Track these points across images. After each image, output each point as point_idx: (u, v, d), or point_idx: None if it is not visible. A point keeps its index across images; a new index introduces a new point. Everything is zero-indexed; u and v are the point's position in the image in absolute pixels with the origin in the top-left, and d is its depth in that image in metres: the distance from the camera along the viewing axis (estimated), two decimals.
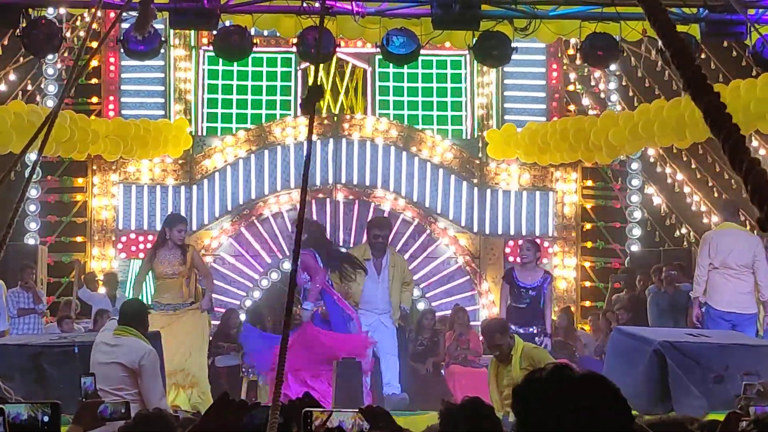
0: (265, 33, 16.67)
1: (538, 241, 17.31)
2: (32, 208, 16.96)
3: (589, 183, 17.93)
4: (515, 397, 2.74)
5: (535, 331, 12.93)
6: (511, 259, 16.77)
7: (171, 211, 16.94)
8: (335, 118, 17.13)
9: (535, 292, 13.01)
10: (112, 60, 17.41)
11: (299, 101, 17.08)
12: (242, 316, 15.33)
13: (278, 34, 16.04)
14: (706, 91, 1.81)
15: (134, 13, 11.32)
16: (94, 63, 17.18)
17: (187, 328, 12.03)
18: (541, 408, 2.65)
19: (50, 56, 15.70)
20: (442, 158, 17.22)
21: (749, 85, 13.38)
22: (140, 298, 12.32)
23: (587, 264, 17.80)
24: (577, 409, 2.62)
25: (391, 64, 14.99)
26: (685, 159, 16.92)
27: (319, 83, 14.52)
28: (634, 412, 8.09)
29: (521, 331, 12.60)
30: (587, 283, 17.79)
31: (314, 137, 16.65)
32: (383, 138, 17.12)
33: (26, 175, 16.11)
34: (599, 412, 2.64)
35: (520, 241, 14.61)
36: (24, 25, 12.08)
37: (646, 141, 15.20)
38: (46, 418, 4.32)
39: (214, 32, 12.55)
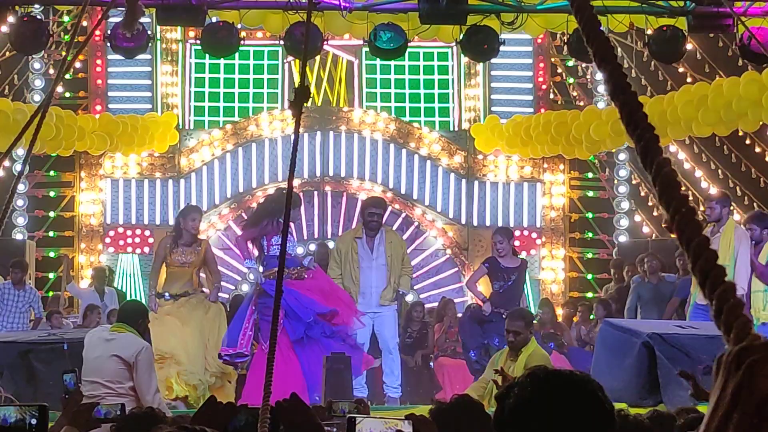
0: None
1: (526, 232, 17.45)
2: (20, 203, 16.92)
3: (577, 174, 17.97)
4: (498, 403, 2.77)
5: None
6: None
7: (159, 205, 16.96)
8: (324, 111, 17.16)
9: (517, 274, 12.84)
10: (98, 54, 17.40)
11: (287, 103, 17.05)
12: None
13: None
14: (624, 89, 1.82)
15: (122, 9, 11.29)
16: (80, 57, 17.14)
17: (197, 313, 11.94)
18: (519, 413, 2.68)
19: None
20: (429, 150, 17.27)
21: (732, 83, 13.44)
22: (153, 289, 12.23)
23: (575, 255, 17.85)
24: (554, 410, 2.64)
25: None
26: (674, 150, 16.95)
27: (306, 84, 14.48)
28: (623, 405, 8.09)
29: (503, 313, 12.52)
30: (574, 274, 17.84)
31: (301, 130, 16.64)
32: (370, 130, 17.16)
33: (13, 170, 16.16)
34: (578, 411, 2.66)
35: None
36: (11, 22, 12.04)
37: (627, 137, 15.20)
38: (34, 421, 4.33)
39: (201, 28, 12.55)
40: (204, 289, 12.36)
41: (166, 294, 11.98)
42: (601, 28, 1.89)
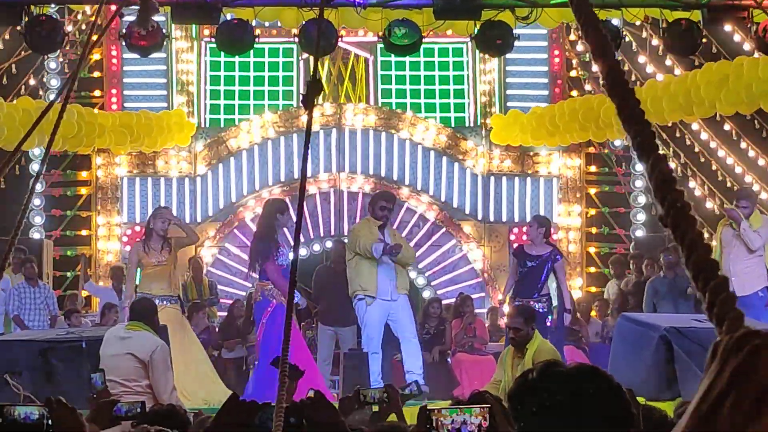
0: (266, 24, 16.68)
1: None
2: (37, 202, 16.94)
3: (593, 168, 17.93)
4: (510, 401, 2.76)
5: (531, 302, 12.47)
6: (515, 246, 16.76)
7: (175, 203, 16.99)
8: (338, 108, 17.15)
9: (536, 263, 12.65)
10: (114, 53, 17.43)
11: (301, 97, 17.01)
12: None
13: (280, 25, 16.07)
14: (621, 85, 1.83)
15: (136, 8, 11.31)
16: (96, 56, 17.20)
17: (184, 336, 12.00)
18: (536, 408, 2.67)
19: None
20: (444, 145, 17.26)
21: (752, 64, 13.37)
22: (128, 299, 12.25)
23: (592, 250, 17.81)
24: (570, 403, 2.64)
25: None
26: (688, 144, 16.92)
27: (317, 78, 14.47)
28: (641, 399, 8.09)
29: (516, 303, 12.39)
30: (592, 269, 17.81)
31: (317, 127, 16.69)
32: (385, 126, 17.16)
33: (30, 170, 16.19)
34: (593, 404, 2.65)
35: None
36: (26, 21, 12.08)
37: (654, 116, 15.05)
38: (50, 421, 4.35)
39: (216, 26, 12.55)
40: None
41: (147, 295, 11.94)
42: (600, 26, 1.90)
